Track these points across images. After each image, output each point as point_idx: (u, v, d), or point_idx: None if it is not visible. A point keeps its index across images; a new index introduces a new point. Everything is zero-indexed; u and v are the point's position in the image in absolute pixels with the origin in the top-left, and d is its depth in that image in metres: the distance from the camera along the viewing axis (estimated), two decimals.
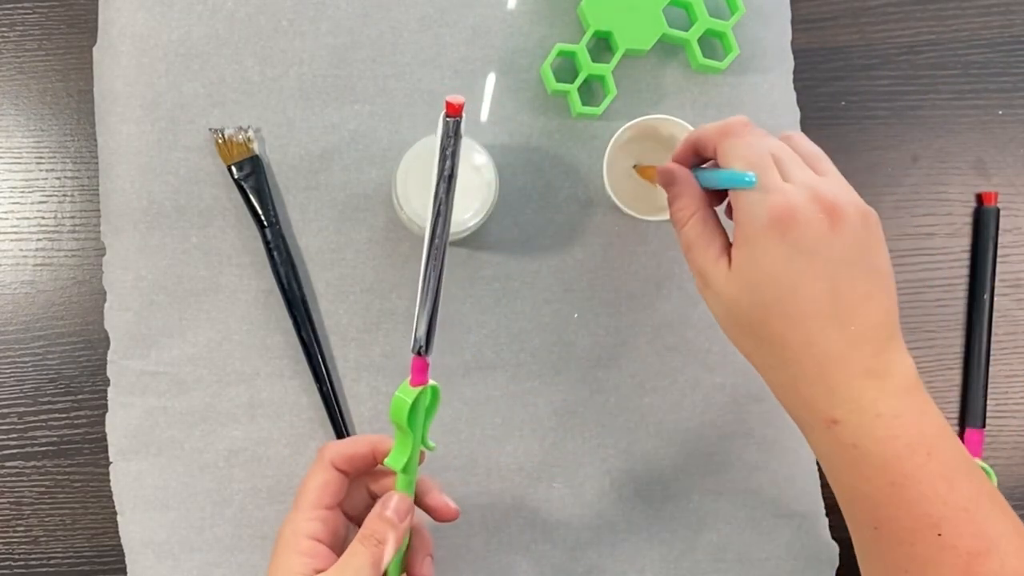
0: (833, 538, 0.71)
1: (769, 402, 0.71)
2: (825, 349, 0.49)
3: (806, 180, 0.50)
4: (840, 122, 0.73)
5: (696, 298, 0.71)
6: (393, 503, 0.52)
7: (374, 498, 0.56)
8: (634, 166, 0.66)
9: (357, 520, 0.56)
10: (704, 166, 0.57)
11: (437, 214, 0.49)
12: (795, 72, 0.72)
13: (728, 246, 0.53)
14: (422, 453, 0.53)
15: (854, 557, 0.71)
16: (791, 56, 0.72)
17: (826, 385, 0.49)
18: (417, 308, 0.50)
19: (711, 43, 0.71)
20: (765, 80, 0.71)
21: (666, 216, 0.66)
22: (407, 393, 0.51)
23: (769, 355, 0.51)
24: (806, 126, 0.72)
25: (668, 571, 0.70)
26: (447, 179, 0.49)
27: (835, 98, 0.73)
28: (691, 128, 0.66)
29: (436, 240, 0.49)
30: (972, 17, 0.74)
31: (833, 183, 0.51)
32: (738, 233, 0.51)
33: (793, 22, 0.72)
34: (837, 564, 0.70)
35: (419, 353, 0.50)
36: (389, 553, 0.51)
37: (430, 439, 0.53)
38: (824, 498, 0.71)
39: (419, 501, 0.55)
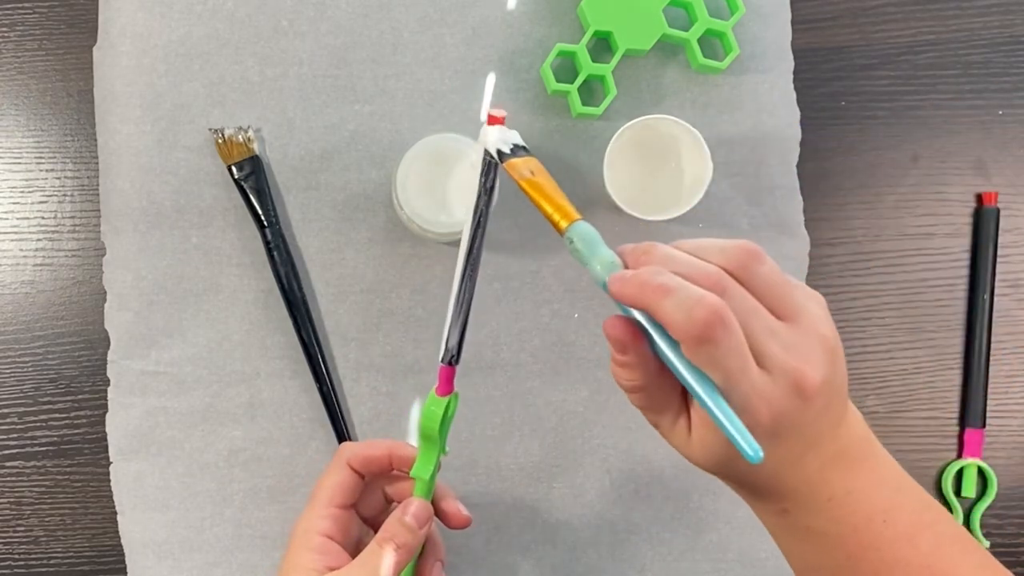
0: None
1: None
2: (793, 472, 0.44)
3: (778, 361, 0.40)
4: (840, 122, 0.73)
5: None
6: (413, 508, 0.53)
7: (388, 500, 0.57)
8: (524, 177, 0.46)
9: (370, 521, 0.56)
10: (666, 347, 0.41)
11: (477, 225, 0.48)
12: (795, 72, 0.72)
13: (684, 408, 0.44)
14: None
15: None
16: (791, 56, 0.72)
17: (778, 484, 0.44)
18: (449, 318, 0.50)
19: (711, 43, 0.71)
20: (765, 80, 0.71)
21: (666, 216, 0.67)
22: (437, 404, 0.51)
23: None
24: (806, 126, 0.72)
25: (668, 571, 0.70)
26: (488, 191, 0.48)
27: (835, 98, 0.73)
28: (691, 128, 0.66)
29: (473, 252, 0.49)
30: (972, 17, 0.74)
31: (799, 338, 0.41)
32: (701, 417, 0.43)
33: (793, 22, 0.72)
34: None
35: (449, 363, 0.50)
36: (406, 558, 0.51)
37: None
38: None
39: (434, 506, 0.55)
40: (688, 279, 0.39)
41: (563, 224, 0.42)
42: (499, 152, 0.45)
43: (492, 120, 0.46)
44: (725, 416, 0.38)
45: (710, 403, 0.39)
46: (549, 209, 0.43)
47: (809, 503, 0.44)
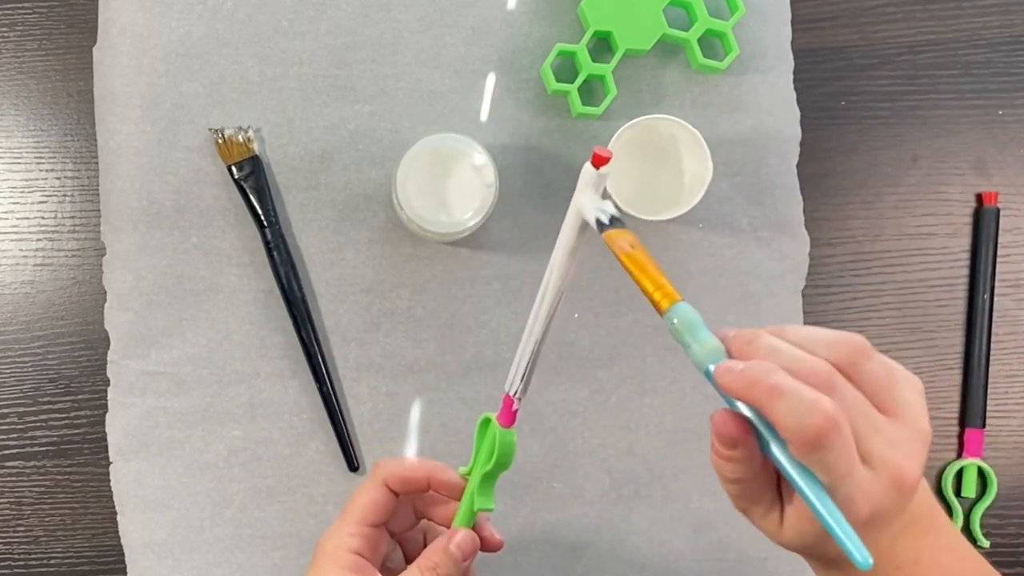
0: None
1: None
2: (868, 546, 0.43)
3: (882, 459, 0.41)
4: (840, 122, 0.73)
5: (696, 298, 0.71)
6: (458, 539, 0.52)
7: (419, 517, 0.56)
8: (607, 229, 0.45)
9: (397, 536, 0.56)
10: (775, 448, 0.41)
11: (568, 264, 0.47)
12: (795, 72, 0.72)
13: (778, 498, 0.44)
14: None
15: None
16: (791, 56, 0.72)
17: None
18: (519, 355, 0.49)
19: (711, 43, 0.71)
20: (765, 80, 0.71)
21: (666, 216, 0.67)
22: (511, 434, 0.51)
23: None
24: (806, 126, 0.72)
25: (668, 571, 0.70)
26: (585, 228, 0.45)
27: (835, 98, 0.73)
28: (691, 128, 0.66)
29: (560, 289, 0.48)
30: (972, 17, 0.74)
31: (902, 433, 0.42)
32: (797, 510, 0.43)
33: (793, 22, 0.72)
34: None
35: (515, 396, 0.50)
36: None
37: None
38: None
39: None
40: (797, 375, 0.39)
41: (664, 304, 0.42)
42: (598, 222, 0.45)
43: (598, 160, 0.43)
44: (835, 521, 0.38)
45: (819, 506, 0.39)
46: (650, 288, 0.42)
47: (879, 572, 0.45)
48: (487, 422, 0.52)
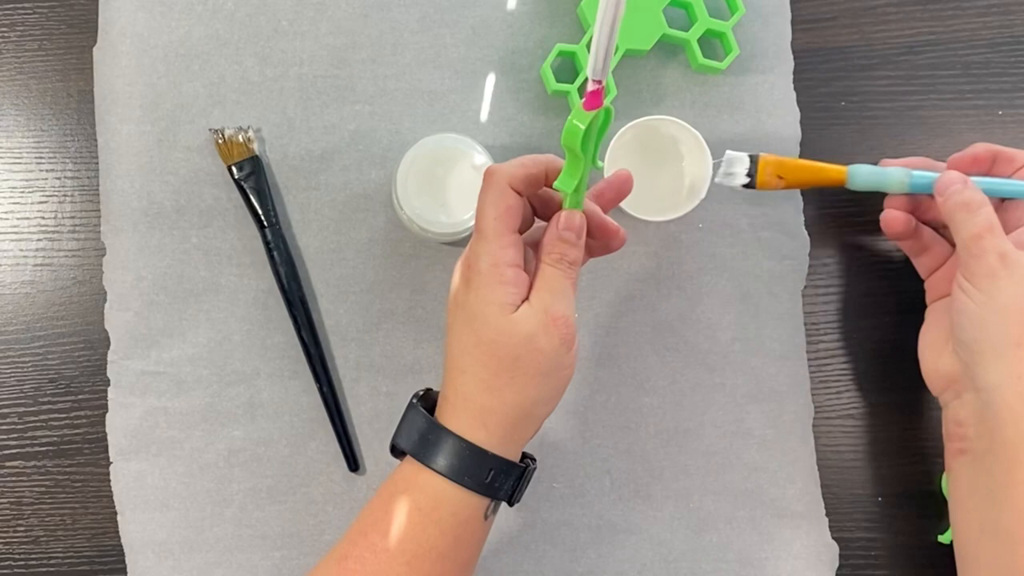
0: (833, 538, 0.70)
1: (769, 402, 0.71)
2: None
3: None
4: (840, 122, 0.73)
5: (696, 298, 0.71)
6: (563, 221, 0.51)
7: (535, 216, 0.55)
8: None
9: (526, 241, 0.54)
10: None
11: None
12: (795, 72, 0.72)
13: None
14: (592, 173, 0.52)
15: (854, 557, 0.71)
16: (791, 56, 0.72)
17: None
18: (598, 31, 0.45)
19: (711, 43, 0.71)
20: (765, 80, 0.71)
21: (667, 216, 0.67)
22: (581, 118, 0.48)
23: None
24: (806, 126, 0.72)
25: (668, 571, 0.70)
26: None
27: (835, 98, 0.73)
28: (691, 129, 0.66)
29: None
30: (972, 17, 0.74)
31: None
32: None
33: (793, 22, 0.72)
34: (837, 564, 0.70)
35: (596, 80, 0.47)
36: (576, 272, 0.51)
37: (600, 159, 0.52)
38: (824, 498, 0.71)
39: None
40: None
41: (843, 177, 0.62)
42: (743, 185, 0.59)
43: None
44: None
45: None
46: (824, 178, 0.63)
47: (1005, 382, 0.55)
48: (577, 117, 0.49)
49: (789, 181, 0.62)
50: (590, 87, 0.48)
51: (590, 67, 0.47)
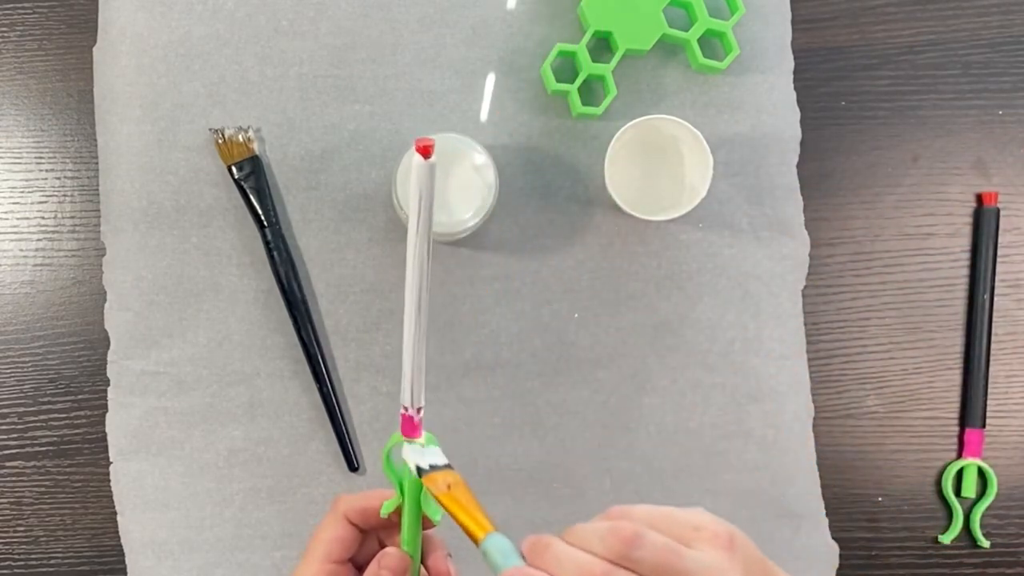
0: (833, 538, 0.70)
1: (769, 402, 0.71)
2: None
3: None
4: (840, 122, 0.73)
5: (696, 298, 0.71)
6: (386, 560, 0.51)
7: (383, 547, 0.55)
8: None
9: (364, 569, 0.55)
10: None
11: (421, 275, 0.43)
12: (795, 72, 0.72)
13: None
14: (426, 519, 0.51)
15: (854, 557, 0.71)
16: (791, 56, 0.72)
17: None
18: (406, 367, 0.46)
19: (711, 43, 0.71)
20: (765, 80, 0.71)
21: (667, 216, 0.67)
22: (392, 440, 0.48)
23: None
24: (806, 126, 0.72)
25: None
26: (426, 235, 0.42)
27: (835, 98, 0.73)
28: (692, 128, 0.66)
29: (421, 302, 0.44)
30: (972, 17, 0.74)
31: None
32: None
33: (793, 22, 0.72)
34: (837, 564, 0.70)
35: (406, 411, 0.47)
36: None
37: (438, 510, 0.49)
38: (824, 498, 0.71)
39: (422, 561, 0.54)
40: None
41: (480, 534, 0.44)
42: (418, 468, 0.46)
43: (421, 149, 0.40)
44: None
45: None
46: (467, 521, 0.45)
47: None
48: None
49: (450, 497, 0.48)
50: (402, 411, 0.47)
51: (408, 394, 0.47)
